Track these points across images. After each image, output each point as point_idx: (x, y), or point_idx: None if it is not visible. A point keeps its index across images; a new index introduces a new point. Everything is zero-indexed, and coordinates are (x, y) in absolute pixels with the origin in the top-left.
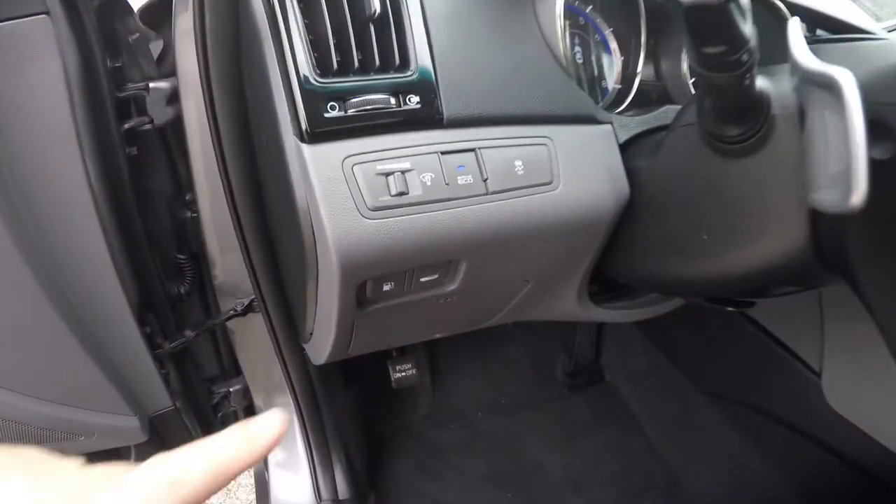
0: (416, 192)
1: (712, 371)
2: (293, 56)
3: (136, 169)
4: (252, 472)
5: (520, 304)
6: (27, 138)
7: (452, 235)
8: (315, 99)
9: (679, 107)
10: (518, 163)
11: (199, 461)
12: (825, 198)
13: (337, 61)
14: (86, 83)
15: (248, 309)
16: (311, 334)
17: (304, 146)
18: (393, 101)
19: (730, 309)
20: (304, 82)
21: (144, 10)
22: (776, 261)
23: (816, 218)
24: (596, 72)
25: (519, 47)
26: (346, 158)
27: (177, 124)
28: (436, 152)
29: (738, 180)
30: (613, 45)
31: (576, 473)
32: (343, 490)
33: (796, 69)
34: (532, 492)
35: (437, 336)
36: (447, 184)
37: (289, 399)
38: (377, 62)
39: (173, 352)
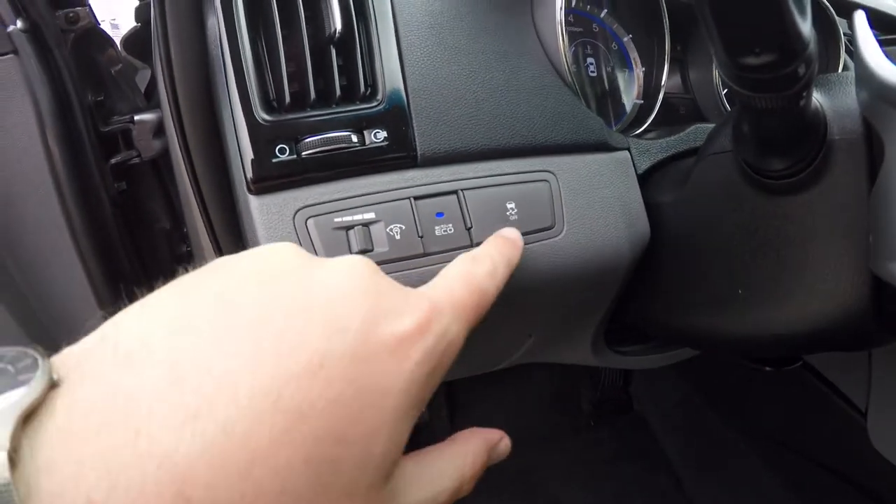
0: (381, 248)
1: (746, 405)
2: (240, 87)
3: (130, 205)
4: None
5: (526, 354)
6: (3, 185)
7: None
8: (262, 140)
9: (710, 126)
10: (510, 205)
11: (499, 257)
12: None
13: (291, 93)
14: (61, 122)
15: None
16: None
17: (252, 198)
18: (355, 137)
19: (767, 370)
20: (248, 120)
21: (128, 41)
22: (827, 323)
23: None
24: (612, 87)
25: (513, 63)
26: (298, 211)
27: (168, 158)
28: (408, 198)
29: (783, 223)
30: (633, 54)
31: None
32: None
33: (867, 80)
34: None
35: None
36: (421, 236)
37: None
38: (338, 91)
39: None
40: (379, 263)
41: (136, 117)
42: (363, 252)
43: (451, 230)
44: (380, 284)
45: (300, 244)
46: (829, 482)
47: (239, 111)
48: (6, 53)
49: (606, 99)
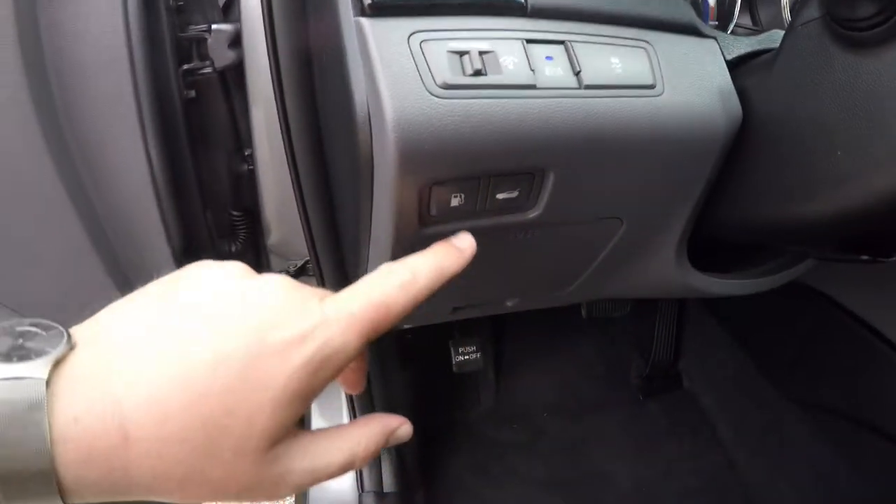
0: (495, 74)
1: (805, 375)
2: None
3: (196, 117)
4: None
5: (608, 264)
6: (82, 65)
7: (537, 133)
8: None
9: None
10: (615, 59)
11: (425, 266)
12: None
13: None
14: (144, 15)
15: (300, 271)
16: None
17: (365, 20)
18: None
19: (864, 259)
20: None
21: None
22: None
23: None
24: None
25: None
26: (412, 34)
27: (238, 72)
28: (520, 39)
29: (876, 77)
30: None
31: (645, 486)
32: (389, 483)
33: None
34: (596, 503)
35: (509, 305)
36: (533, 70)
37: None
38: None
39: None
40: (492, 88)
41: (214, 27)
42: (477, 73)
43: (560, 72)
44: (285, 298)
45: (414, 63)
46: (893, 454)
47: None
48: None
49: None
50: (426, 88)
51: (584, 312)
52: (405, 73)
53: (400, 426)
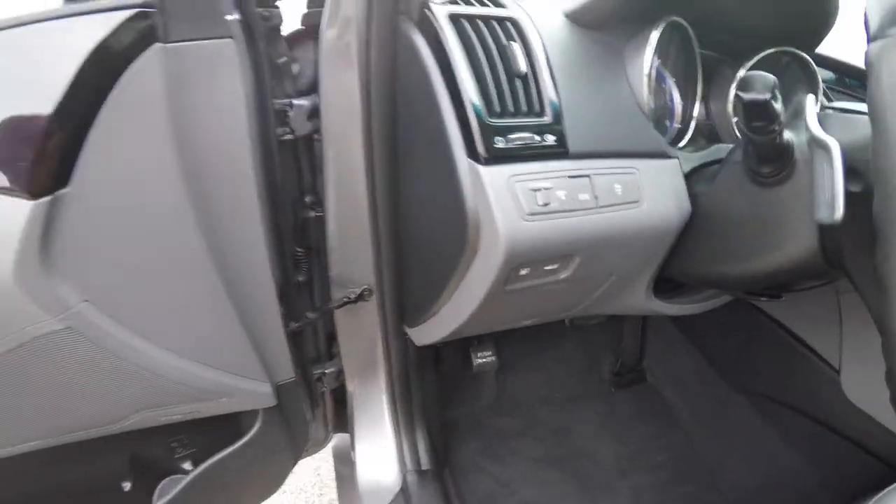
0: (555, 204)
1: (745, 370)
2: (469, 98)
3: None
4: (316, 467)
5: (601, 295)
6: (214, 142)
7: (575, 236)
8: (489, 132)
9: (726, 146)
10: (617, 186)
11: None
12: (822, 214)
13: (500, 106)
14: (257, 96)
15: (359, 297)
16: (436, 314)
17: (481, 167)
18: (537, 137)
19: (763, 299)
20: (481, 119)
21: (289, 38)
22: (797, 260)
23: (823, 230)
24: (662, 113)
25: (615, 99)
26: (510, 177)
27: (309, 136)
28: (565, 176)
29: (771, 204)
30: (676, 93)
31: (623, 461)
32: (425, 462)
33: (808, 132)
34: (584, 475)
35: (527, 323)
36: (573, 199)
37: (380, 381)
38: (524, 108)
39: (293, 331)
40: (553, 213)
41: (295, 102)
42: (545, 205)
43: (587, 198)
44: None
45: (511, 198)
46: (815, 430)
47: (471, 114)
48: (224, 37)
49: (659, 121)
50: (520, 217)
51: (567, 321)
52: (508, 206)
53: None
